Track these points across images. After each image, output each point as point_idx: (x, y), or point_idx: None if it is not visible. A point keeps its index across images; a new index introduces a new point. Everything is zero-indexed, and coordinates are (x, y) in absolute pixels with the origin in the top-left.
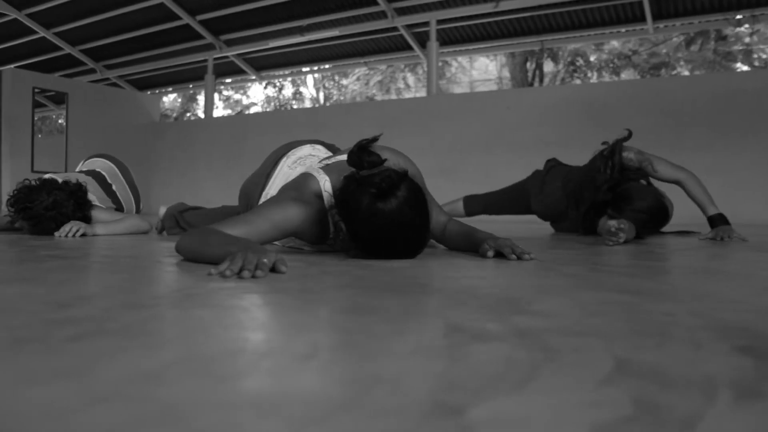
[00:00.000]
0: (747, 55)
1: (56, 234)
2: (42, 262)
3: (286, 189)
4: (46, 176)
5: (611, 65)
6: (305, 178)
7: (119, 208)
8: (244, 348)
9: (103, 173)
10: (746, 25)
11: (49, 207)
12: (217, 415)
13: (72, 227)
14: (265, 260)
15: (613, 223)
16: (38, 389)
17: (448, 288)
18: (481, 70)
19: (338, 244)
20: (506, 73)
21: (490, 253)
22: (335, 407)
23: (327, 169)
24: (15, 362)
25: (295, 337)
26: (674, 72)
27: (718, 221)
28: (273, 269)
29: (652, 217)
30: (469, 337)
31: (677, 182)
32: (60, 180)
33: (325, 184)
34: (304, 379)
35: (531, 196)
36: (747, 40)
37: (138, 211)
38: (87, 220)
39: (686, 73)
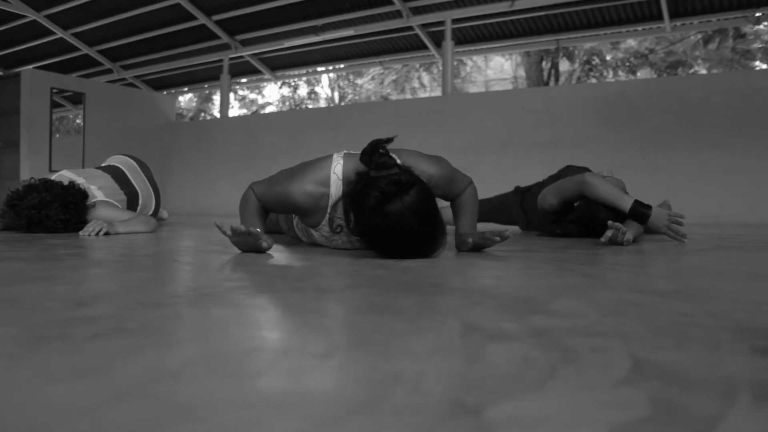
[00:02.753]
0: (766, 53)
1: (80, 233)
2: (61, 261)
3: (302, 169)
4: (60, 173)
5: (627, 64)
6: (324, 158)
7: (134, 199)
8: (262, 347)
9: (121, 167)
10: (765, 23)
11: (32, 206)
12: (235, 414)
13: (95, 227)
14: (253, 232)
15: (606, 234)
16: (58, 387)
17: (464, 288)
18: (497, 69)
19: (336, 233)
20: (521, 73)
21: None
22: (353, 406)
23: (348, 155)
24: (35, 360)
25: (312, 336)
26: (691, 71)
27: (640, 212)
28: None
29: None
30: (486, 336)
31: (582, 194)
32: (65, 181)
33: (337, 167)
34: (322, 379)
35: (522, 227)
36: (766, 38)
37: (157, 208)
38: (76, 221)
39: (703, 71)
